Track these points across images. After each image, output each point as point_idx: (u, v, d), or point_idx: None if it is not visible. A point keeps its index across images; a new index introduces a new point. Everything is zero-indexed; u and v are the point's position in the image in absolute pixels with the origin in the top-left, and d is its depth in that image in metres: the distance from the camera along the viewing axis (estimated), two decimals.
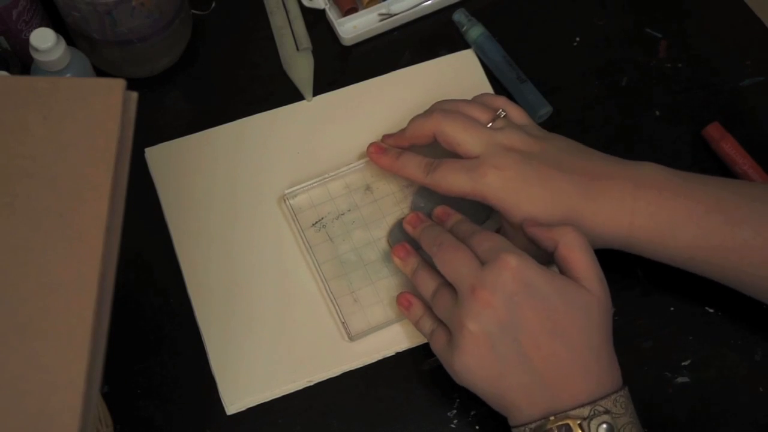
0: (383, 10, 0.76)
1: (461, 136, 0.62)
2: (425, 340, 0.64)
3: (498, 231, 0.64)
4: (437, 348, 0.59)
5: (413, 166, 0.64)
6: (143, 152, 0.69)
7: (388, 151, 0.66)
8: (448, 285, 0.58)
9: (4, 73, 0.63)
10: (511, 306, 0.54)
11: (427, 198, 0.68)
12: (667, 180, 0.61)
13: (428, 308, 0.61)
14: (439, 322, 0.59)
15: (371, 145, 0.67)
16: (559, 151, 0.62)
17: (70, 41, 0.68)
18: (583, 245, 0.57)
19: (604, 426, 0.53)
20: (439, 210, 0.64)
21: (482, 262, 0.56)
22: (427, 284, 0.60)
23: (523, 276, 0.55)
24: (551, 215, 0.60)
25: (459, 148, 0.63)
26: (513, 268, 0.55)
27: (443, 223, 0.63)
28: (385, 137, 0.68)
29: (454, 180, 0.62)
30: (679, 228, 0.60)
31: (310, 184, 0.68)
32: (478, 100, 0.67)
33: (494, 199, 0.61)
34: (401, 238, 0.66)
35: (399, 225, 0.67)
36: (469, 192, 0.61)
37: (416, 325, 0.62)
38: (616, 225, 0.60)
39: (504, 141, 0.62)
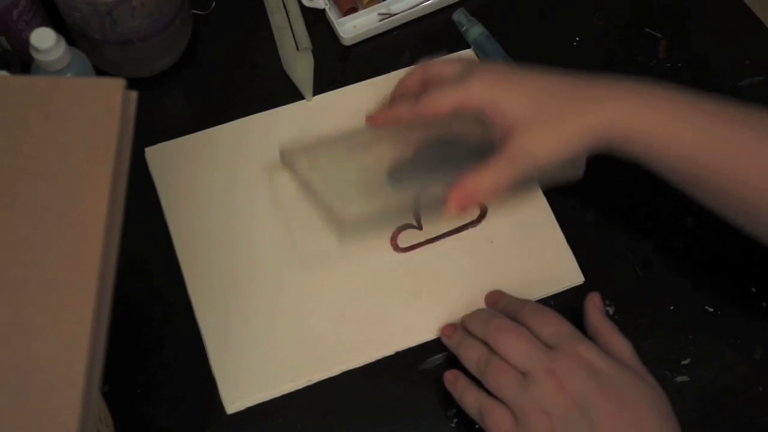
0: (383, 10, 0.76)
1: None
2: (425, 340, 0.64)
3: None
4: (499, 428, 0.56)
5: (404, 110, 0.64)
6: (143, 152, 0.69)
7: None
8: (499, 358, 0.58)
9: (4, 72, 0.63)
10: (586, 392, 0.54)
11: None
12: (667, 85, 0.59)
13: (473, 382, 0.59)
14: (489, 396, 0.58)
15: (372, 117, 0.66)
16: (552, 72, 0.61)
17: (71, 41, 0.68)
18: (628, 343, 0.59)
19: None
20: (492, 295, 0.65)
21: (545, 343, 0.57)
22: (475, 353, 0.59)
23: (596, 364, 0.55)
24: (542, 111, 0.58)
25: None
26: (586, 356, 0.56)
27: (494, 305, 0.64)
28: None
29: (441, 97, 0.61)
30: (683, 121, 0.57)
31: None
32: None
33: (480, 102, 0.60)
34: (404, 177, 0.65)
35: (406, 165, 0.66)
36: (456, 102, 0.60)
37: (460, 397, 0.59)
38: (618, 119, 0.58)
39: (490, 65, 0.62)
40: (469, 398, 0.59)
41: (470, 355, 0.59)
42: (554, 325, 0.58)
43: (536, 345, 0.57)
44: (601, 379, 0.55)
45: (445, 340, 0.63)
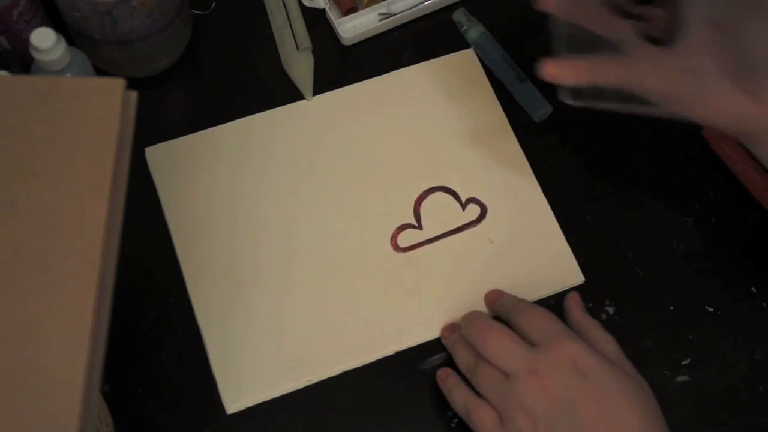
0: (383, 10, 0.76)
1: None
2: (425, 340, 0.64)
3: None
4: (485, 427, 0.57)
5: None
6: (143, 152, 0.69)
7: None
8: (486, 361, 0.58)
9: (4, 72, 0.63)
10: (568, 390, 0.54)
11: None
12: None
13: (462, 380, 0.60)
14: (476, 396, 0.58)
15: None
16: None
17: (71, 41, 0.68)
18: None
19: None
20: (492, 294, 0.65)
21: (532, 342, 0.57)
22: (465, 355, 0.60)
23: (580, 362, 0.55)
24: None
25: None
26: (570, 354, 0.55)
27: (493, 304, 0.64)
28: None
29: None
30: None
31: None
32: None
33: None
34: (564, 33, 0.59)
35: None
36: None
37: (449, 394, 0.60)
38: None
39: None
40: (457, 396, 0.59)
41: (461, 357, 0.60)
42: (541, 323, 0.58)
43: (519, 344, 0.57)
44: (584, 376, 0.55)
45: (444, 342, 0.63)
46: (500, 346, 0.57)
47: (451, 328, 0.63)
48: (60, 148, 0.41)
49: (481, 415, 0.57)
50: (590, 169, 0.72)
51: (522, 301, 0.62)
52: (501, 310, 0.62)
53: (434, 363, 0.64)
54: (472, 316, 0.62)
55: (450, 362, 0.63)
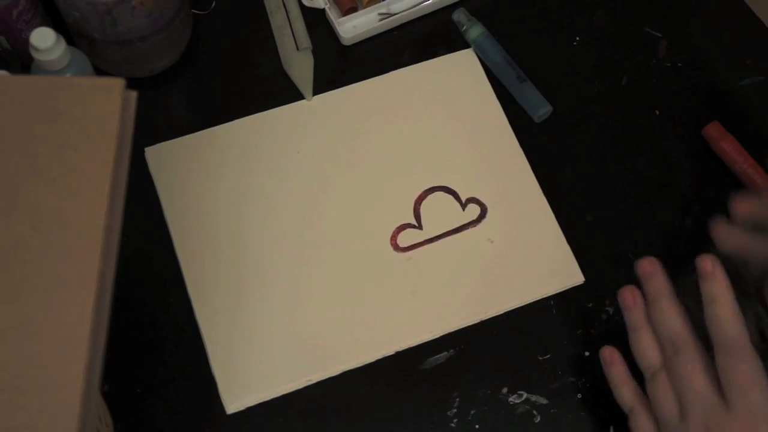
0: (383, 10, 0.76)
1: None
2: (425, 340, 0.64)
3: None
4: None
5: None
6: (143, 152, 0.69)
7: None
8: (668, 379, 0.53)
9: (4, 72, 0.63)
10: None
11: None
12: None
13: (643, 399, 0.56)
14: (644, 398, 0.55)
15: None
16: None
17: (71, 41, 0.68)
18: None
19: None
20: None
21: (723, 391, 0.51)
22: (647, 354, 0.55)
23: None
24: None
25: None
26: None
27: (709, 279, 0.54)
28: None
29: None
30: None
31: None
32: None
33: None
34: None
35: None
36: None
37: (615, 388, 0.56)
38: None
39: None
40: (626, 393, 0.56)
41: (644, 350, 0.55)
42: (743, 376, 0.51)
43: (709, 394, 0.52)
44: None
45: (625, 310, 0.57)
46: (690, 382, 0.52)
47: (636, 295, 0.56)
48: (60, 147, 0.41)
49: (639, 426, 0.55)
50: (590, 169, 0.72)
51: (746, 353, 0.52)
52: (710, 331, 0.53)
53: (434, 363, 0.64)
54: (674, 327, 0.54)
55: (451, 363, 0.63)
